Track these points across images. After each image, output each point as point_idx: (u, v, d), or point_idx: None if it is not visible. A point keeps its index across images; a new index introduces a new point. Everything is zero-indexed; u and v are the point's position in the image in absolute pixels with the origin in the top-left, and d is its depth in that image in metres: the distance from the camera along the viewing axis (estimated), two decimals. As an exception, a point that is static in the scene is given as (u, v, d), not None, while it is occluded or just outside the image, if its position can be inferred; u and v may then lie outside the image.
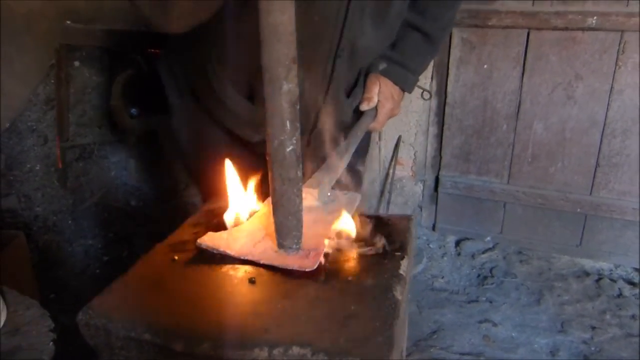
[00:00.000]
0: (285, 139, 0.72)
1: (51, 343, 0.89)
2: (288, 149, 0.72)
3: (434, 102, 2.39)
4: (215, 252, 0.79)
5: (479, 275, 2.26)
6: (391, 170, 2.49)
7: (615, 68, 2.06)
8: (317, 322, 0.66)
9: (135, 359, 0.66)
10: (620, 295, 2.09)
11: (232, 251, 0.78)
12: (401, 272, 0.75)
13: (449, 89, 2.31)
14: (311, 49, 1.02)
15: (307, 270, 0.74)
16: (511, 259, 2.33)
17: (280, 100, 0.69)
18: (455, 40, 2.25)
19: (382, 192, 2.55)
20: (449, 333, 1.95)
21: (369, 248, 0.80)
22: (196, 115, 1.20)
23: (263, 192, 0.85)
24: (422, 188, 2.52)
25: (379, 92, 1.26)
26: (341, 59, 1.06)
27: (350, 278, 0.74)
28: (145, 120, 2.30)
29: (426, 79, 2.33)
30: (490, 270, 2.27)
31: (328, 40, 1.01)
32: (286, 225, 0.77)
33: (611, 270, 2.24)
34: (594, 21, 2.01)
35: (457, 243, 2.46)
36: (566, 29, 2.06)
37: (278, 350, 0.60)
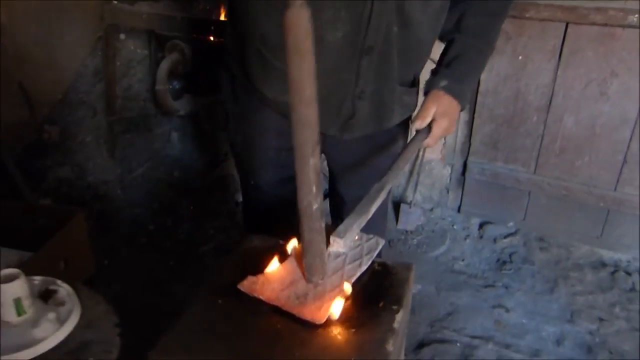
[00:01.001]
0: (312, 200, 0.88)
1: (118, 338, 1.02)
2: (314, 207, 0.88)
3: (466, 89, 2.41)
4: (251, 295, 0.94)
5: (498, 260, 2.37)
6: (421, 152, 2.57)
7: (653, 67, 2.04)
8: (325, 371, 0.82)
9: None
10: (632, 289, 2.17)
11: (263, 297, 0.93)
12: (395, 325, 0.88)
13: (482, 77, 2.32)
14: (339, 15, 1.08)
15: (316, 323, 0.88)
16: (531, 245, 2.42)
17: (308, 171, 0.84)
18: (492, 29, 2.23)
19: (411, 173, 2.65)
20: (463, 316, 2.09)
21: None
22: (250, 119, 1.36)
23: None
24: (450, 172, 2.60)
25: (436, 111, 1.29)
26: (375, 33, 1.11)
27: (353, 330, 0.88)
28: (188, 103, 2.43)
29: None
30: (510, 256, 2.38)
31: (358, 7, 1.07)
32: (313, 264, 0.95)
33: (629, 262, 2.31)
34: (635, 19, 1.97)
35: (481, 226, 2.56)
36: (605, 25, 2.03)
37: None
